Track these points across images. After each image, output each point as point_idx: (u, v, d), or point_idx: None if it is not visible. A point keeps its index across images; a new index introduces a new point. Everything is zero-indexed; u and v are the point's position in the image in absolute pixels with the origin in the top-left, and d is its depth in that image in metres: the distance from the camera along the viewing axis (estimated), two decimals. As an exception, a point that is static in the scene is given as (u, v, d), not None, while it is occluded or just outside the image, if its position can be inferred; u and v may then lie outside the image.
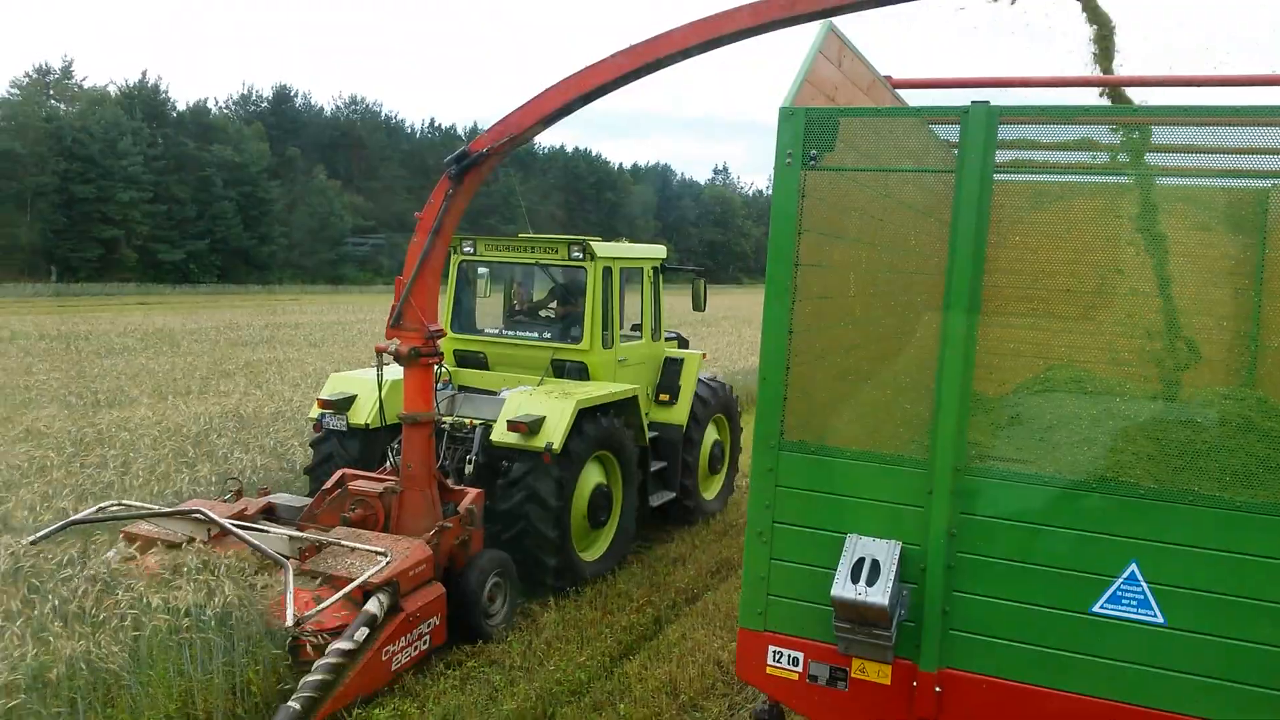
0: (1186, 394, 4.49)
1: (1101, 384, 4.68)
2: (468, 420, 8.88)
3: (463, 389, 9.58)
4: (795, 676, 4.30)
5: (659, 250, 10.64)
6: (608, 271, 9.46)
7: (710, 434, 11.15)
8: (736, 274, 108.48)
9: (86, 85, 68.17)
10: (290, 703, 5.59)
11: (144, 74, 78.08)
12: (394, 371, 7.83)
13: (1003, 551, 3.99)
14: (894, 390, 4.44)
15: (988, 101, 4.02)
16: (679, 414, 10.29)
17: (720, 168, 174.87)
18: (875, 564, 4.03)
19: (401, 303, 7.37)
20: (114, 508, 7.40)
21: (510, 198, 75.53)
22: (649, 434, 9.90)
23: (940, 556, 4.04)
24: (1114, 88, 6.72)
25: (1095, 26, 6.77)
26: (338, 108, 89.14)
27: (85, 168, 60.27)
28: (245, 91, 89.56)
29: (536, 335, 9.75)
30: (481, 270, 9.92)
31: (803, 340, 4.26)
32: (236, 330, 29.51)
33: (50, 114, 62.71)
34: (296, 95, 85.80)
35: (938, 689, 4.06)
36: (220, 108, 79.34)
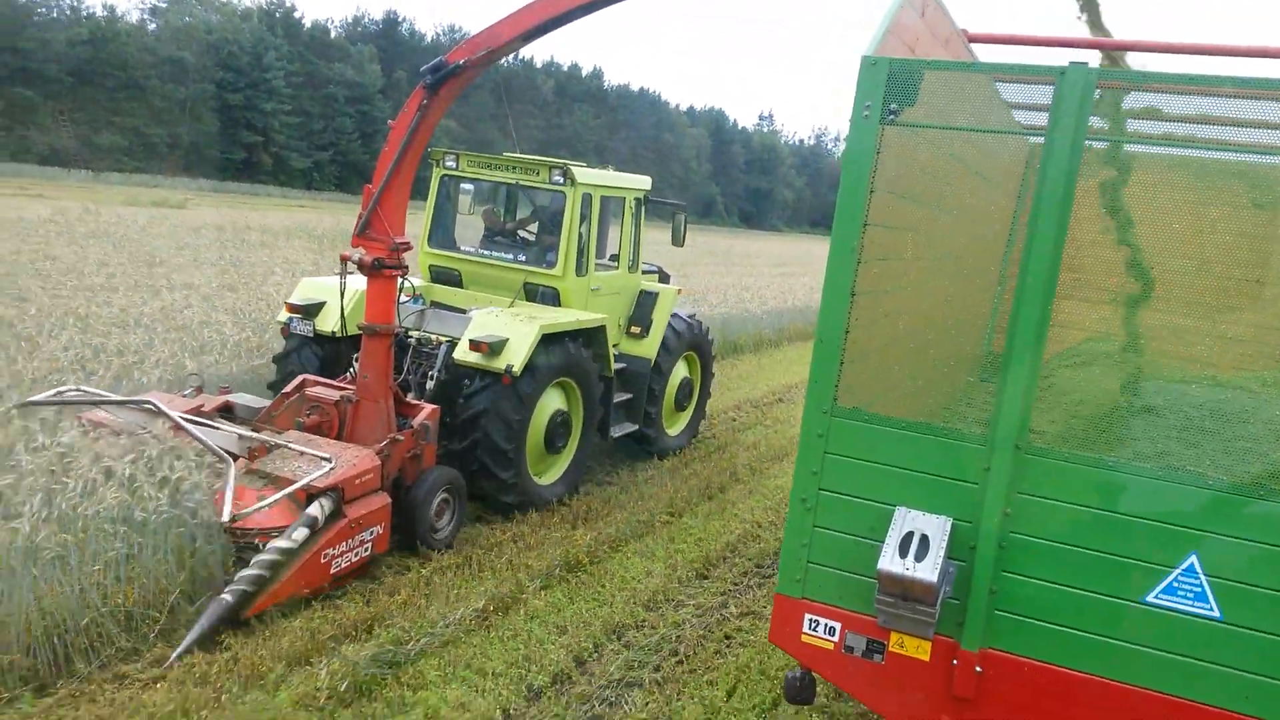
0: (1262, 383, 4.35)
1: (1172, 370, 4.52)
2: (434, 336, 8.69)
3: (435, 305, 9.34)
4: (831, 646, 4.20)
5: (644, 181, 10.36)
6: (587, 198, 9.21)
7: (680, 370, 11.04)
8: (775, 222, 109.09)
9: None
10: (223, 595, 5.68)
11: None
12: (360, 280, 7.63)
13: (1058, 534, 3.88)
14: (957, 362, 4.27)
15: (1085, 63, 3.78)
16: (648, 347, 10.17)
17: (766, 114, 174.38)
18: (925, 539, 3.90)
19: (369, 212, 7.17)
20: (72, 393, 7.21)
21: (584, 133, 77.57)
22: (617, 365, 9.75)
23: (993, 535, 3.92)
24: (1115, 51, 6.35)
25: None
26: (438, 35, 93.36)
27: (236, 78, 66.97)
28: (358, 14, 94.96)
29: (512, 257, 9.50)
30: (466, 187, 9.57)
31: (865, 303, 4.06)
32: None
33: (210, 26, 68.05)
34: (403, 22, 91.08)
35: (978, 669, 3.98)
36: (337, 29, 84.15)
